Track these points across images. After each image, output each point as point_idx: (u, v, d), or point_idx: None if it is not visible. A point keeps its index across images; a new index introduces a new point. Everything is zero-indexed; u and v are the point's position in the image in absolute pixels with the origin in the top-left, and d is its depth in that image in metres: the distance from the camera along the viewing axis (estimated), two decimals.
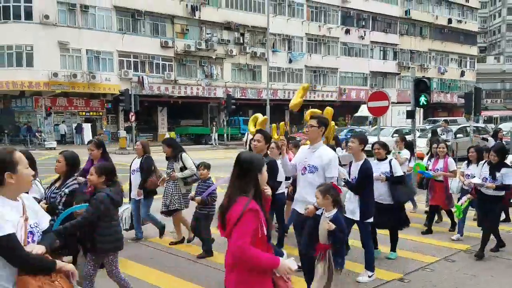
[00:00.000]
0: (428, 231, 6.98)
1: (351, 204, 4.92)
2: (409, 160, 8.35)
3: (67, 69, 27.07)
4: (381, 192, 5.56)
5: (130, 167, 6.55)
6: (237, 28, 33.38)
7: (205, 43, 31.73)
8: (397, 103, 33.78)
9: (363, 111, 29.64)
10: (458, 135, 18.21)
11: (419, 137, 18.45)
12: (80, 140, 26.63)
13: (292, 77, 36.97)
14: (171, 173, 6.25)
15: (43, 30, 26.23)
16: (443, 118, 27.33)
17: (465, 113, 28.32)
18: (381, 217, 5.34)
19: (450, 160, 7.27)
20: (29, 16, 26.14)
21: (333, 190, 3.93)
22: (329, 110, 7.69)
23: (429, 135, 16.11)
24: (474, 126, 18.02)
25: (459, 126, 20.54)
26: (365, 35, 40.67)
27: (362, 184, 4.82)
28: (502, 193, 5.78)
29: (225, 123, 30.81)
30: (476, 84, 46.46)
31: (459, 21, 48.61)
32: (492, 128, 25.09)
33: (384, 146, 5.88)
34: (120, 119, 30.30)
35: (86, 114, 29.25)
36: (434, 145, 7.80)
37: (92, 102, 29.13)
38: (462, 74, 49.51)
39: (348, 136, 24.02)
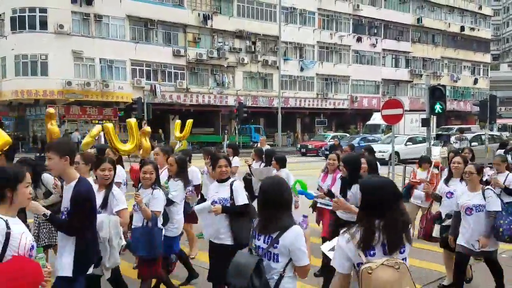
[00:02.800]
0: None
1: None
2: None
3: (81, 77, 27.42)
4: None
5: None
6: (249, 37, 33.53)
7: (216, 51, 31.92)
8: (410, 111, 33.47)
9: (375, 119, 29.43)
10: (473, 143, 17.93)
11: (433, 145, 18.23)
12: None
13: (303, 85, 36.94)
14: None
15: (58, 40, 26.64)
16: (457, 127, 27.03)
17: (479, 121, 28.04)
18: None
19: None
20: (44, 26, 26.58)
21: None
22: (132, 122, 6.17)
23: (442, 143, 15.93)
24: (489, 135, 17.78)
25: (474, 134, 20.23)
26: (377, 43, 40.54)
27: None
28: None
29: (236, 131, 30.83)
30: (490, 92, 45.95)
31: (472, 29, 48.21)
32: (507, 137, 24.76)
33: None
34: None
35: (99, 122, 29.45)
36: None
37: (105, 111, 29.40)
38: (476, 81, 48.99)
39: (362, 144, 23.89)
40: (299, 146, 29.58)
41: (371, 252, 2.32)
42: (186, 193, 4.97)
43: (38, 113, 28.31)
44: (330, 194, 5.10)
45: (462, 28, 46.75)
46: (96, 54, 27.93)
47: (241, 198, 4.11)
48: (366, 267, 2.24)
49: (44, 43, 26.33)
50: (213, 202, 4.12)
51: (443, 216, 5.05)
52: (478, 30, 49.14)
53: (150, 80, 29.99)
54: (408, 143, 21.79)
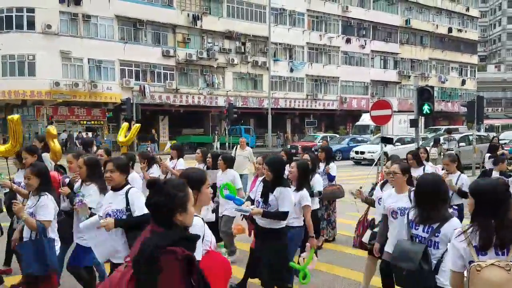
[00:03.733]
0: None
1: None
2: None
3: (69, 78, 27.15)
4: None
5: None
6: (239, 37, 33.52)
7: (206, 52, 31.85)
8: (398, 111, 33.74)
9: (364, 119, 29.64)
10: (461, 144, 18.14)
11: (421, 145, 18.38)
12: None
13: (293, 86, 37.04)
14: None
15: (45, 40, 26.34)
16: (445, 127, 27.33)
17: (467, 122, 28.39)
18: None
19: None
20: (31, 25, 26.27)
21: None
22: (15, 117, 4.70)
23: (432, 143, 16.08)
24: (476, 135, 18.00)
25: (462, 135, 20.48)
26: (365, 44, 40.82)
27: None
28: None
29: (226, 132, 30.79)
30: (477, 92, 46.59)
31: (459, 30, 48.81)
32: (494, 137, 25.06)
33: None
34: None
35: (87, 123, 29.25)
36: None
37: (93, 111, 29.16)
38: (463, 82, 49.60)
39: (351, 145, 24.03)
40: (289, 147, 29.64)
41: (483, 252, 2.38)
42: (75, 204, 4.03)
43: (25, 114, 27.95)
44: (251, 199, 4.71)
45: (450, 30, 47.32)
46: (84, 54, 27.68)
47: (139, 207, 3.51)
48: (475, 265, 2.32)
49: (31, 43, 26.02)
50: (106, 215, 3.60)
51: (376, 222, 4.72)
52: (466, 31, 49.76)
53: (139, 80, 29.81)
54: (396, 143, 21.94)
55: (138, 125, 8.14)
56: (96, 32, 28.34)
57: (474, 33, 52.26)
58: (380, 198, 4.49)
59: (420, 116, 10.63)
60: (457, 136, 19.22)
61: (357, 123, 32.29)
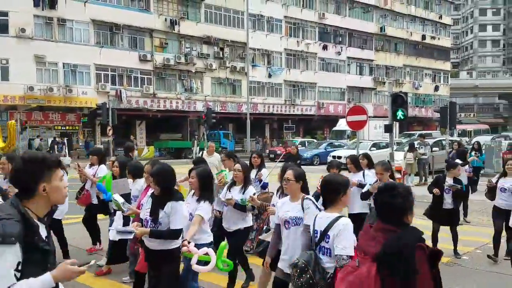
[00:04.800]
0: None
1: None
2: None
3: (43, 82, 26.61)
4: None
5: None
6: (217, 43, 33.56)
7: (184, 57, 31.75)
8: (374, 117, 34.37)
9: (341, 125, 30.07)
10: (434, 149, 18.59)
11: (396, 150, 18.80)
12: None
13: (271, 92, 37.28)
14: None
15: (19, 44, 25.77)
16: (418, 132, 27.97)
17: (440, 127, 29.13)
18: None
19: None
20: (4, 29, 25.66)
21: None
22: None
23: (406, 148, 16.43)
24: (449, 140, 18.50)
25: (435, 140, 21.00)
26: (342, 50, 41.48)
27: None
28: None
29: (205, 137, 30.71)
30: (450, 98, 47.86)
31: (433, 37, 50.15)
32: (466, 142, 25.83)
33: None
34: (96, 133, 29.84)
35: (62, 128, 28.69)
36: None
37: (68, 116, 28.64)
38: (436, 89, 50.90)
39: (328, 150, 24.32)
40: (268, 152, 29.84)
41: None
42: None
43: None
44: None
45: (423, 37, 48.56)
46: (59, 59, 27.20)
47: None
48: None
49: (5, 47, 25.37)
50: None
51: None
52: (439, 38, 51.16)
53: (116, 85, 29.46)
54: (372, 148, 22.36)
55: (12, 122, 7.55)
56: (71, 36, 27.90)
57: (447, 40, 53.78)
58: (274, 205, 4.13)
59: (394, 122, 10.86)
60: (430, 141, 19.69)
61: (334, 128, 32.73)
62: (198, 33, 32.58)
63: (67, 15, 27.35)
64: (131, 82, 30.35)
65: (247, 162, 5.81)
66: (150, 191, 3.98)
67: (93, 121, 28.83)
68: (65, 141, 27.12)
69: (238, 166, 5.03)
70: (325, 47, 39.99)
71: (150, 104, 30.80)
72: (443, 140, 18.85)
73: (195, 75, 32.99)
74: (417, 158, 15.45)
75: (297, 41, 38.27)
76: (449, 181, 6.48)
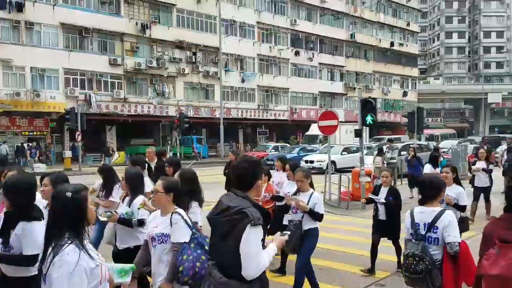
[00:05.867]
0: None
1: None
2: None
3: (10, 87, 25.81)
4: None
5: None
6: (189, 47, 33.43)
7: (156, 61, 31.45)
8: (345, 122, 34.99)
9: (313, 130, 30.45)
10: (402, 153, 19.10)
11: (366, 154, 19.19)
12: (24, 162, 25.11)
13: (245, 96, 37.39)
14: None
15: None
16: (387, 137, 28.66)
17: (408, 132, 29.94)
18: None
19: None
20: None
21: None
22: None
23: (375, 152, 16.81)
24: (417, 144, 19.04)
25: (403, 144, 21.56)
26: (313, 57, 42.08)
27: None
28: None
29: (178, 142, 30.48)
30: (418, 104, 49.23)
31: (401, 44, 51.56)
32: (434, 146, 26.61)
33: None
34: (65, 139, 29.11)
35: (30, 133, 27.85)
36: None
37: (36, 121, 27.84)
38: (405, 94, 52.29)
39: (301, 154, 24.56)
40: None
41: None
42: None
43: None
44: None
45: (392, 44, 49.86)
46: (27, 63, 26.45)
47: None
48: None
49: None
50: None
51: None
52: (407, 45, 52.64)
53: (85, 89, 28.89)
54: (343, 152, 22.77)
55: None
56: (39, 40, 27.18)
57: (414, 47, 55.40)
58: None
59: (363, 127, 11.12)
60: (399, 145, 20.20)
61: (307, 133, 33.11)
62: (170, 38, 32.38)
63: (35, 18, 26.64)
64: (101, 86, 29.81)
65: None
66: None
67: (62, 126, 28.10)
68: (38, 145, 26.40)
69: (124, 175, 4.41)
70: (297, 53, 40.49)
71: (121, 109, 30.32)
72: (411, 144, 19.38)
73: (167, 80, 32.73)
74: (385, 162, 15.82)
75: (270, 47, 38.58)
76: (383, 191, 6.08)
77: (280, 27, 39.46)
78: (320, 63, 42.84)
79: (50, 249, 2.14)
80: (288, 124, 40.56)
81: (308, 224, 4.84)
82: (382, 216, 6.08)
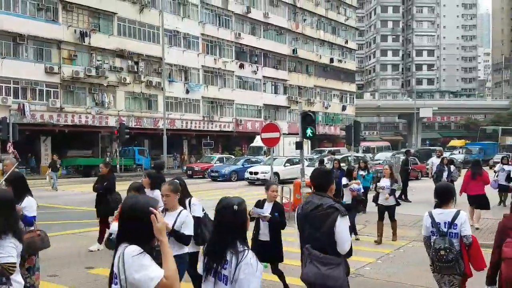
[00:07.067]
0: None
1: None
2: None
3: None
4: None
5: None
6: (131, 56, 32.70)
7: (95, 70, 30.39)
8: (288, 134, 35.78)
9: (258, 141, 30.79)
10: (341, 164, 19.80)
11: (307, 166, 19.74)
12: None
13: (189, 108, 37.10)
14: None
15: None
16: (328, 149, 29.70)
17: (346, 144, 31.20)
18: None
19: None
20: None
21: None
22: None
23: (316, 164, 17.35)
24: (354, 156, 19.91)
25: (341, 156, 22.42)
26: (257, 70, 42.82)
27: None
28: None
29: (117, 153, 29.52)
30: (355, 117, 51.52)
31: (340, 61, 53.90)
32: (370, 158, 27.94)
33: None
34: None
35: None
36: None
37: None
38: (344, 108, 54.55)
39: (246, 166, 24.71)
40: (185, 168, 29.54)
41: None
42: None
43: None
44: None
45: (332, 60, 51.98)
46: None
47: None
48: None
49: None
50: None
51: None
52: (345, 62, 55.11)
53: (18, 98, 27.26)
54: (286, 164, 23.24)
55: None
56: None
57: (352, 63, 58.13)
58: None
59: (304, 139, 11.46)
60: (338, 157, 20.96)
61: (252, 144, 33.42)
62: (111, 46, 31.50)
63: None
64: (35, 95, 28.28)
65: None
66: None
67: None
68: None
69: None
70: (241, 66, 40.97)
71: (57, 119, 28.89)
72: (349, 156, 20.22)
73: (107, 89, 31.70)
74: None
75: (215, 59, 38.72)
76: (267, 207, 5.38)
77: (225, 39, 39.79)
78: (264, 76, 43.63)
79: (228, 254, 2.45)
80: (233, 135, 40.74)
81: (174, 249, 3.70)
82: (264, 236, 5.29)
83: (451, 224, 3.96)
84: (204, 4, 38.05)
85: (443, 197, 4.14)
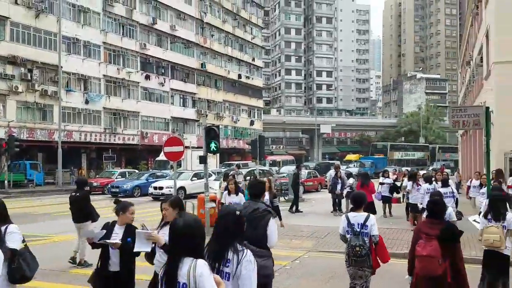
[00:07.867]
0: None
1: None
2: None
3: None
4: None
5: None
6: (24, 63, 30.03)
7: None
8: (197, 148, 35.49)
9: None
10: (247, 178, 20.17)
11: (215, 180, 19.78)
12: None
13: (89, 119, 34.99)
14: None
15: None
16: (236, 162, 30.07)
17: (252, 158, 31.90)
18: None
19: None
20: None
21: None
22: None
23: (222, 178, 17.42)
24: (260, 169, 20.39)
25: (248, 170, 22.86)
26: (165, 82, 42.04)
27: None
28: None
29: (6, 168, 26.71)
30: (263, 132, 53.10)
31: (248, 77, 55.29)
32: (276, 171, 28.86)
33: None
34: None
35: None
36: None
37: None
38: (252, 123, 55.87)
39: (150, 181, 23.88)
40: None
41: None
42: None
43: None
44: None
45: (240, 76, 53.12)
46: None
47: None
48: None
49: None
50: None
51: None
52: (252, 78, 56.67)
53: None
54: (193, 178, 23.02)
55: None
56: None
57: (259, 80, 59.97)
58: None
59: (208, 153, 11.42)
60: (244, 171, 21.33)
61: (158, 158, 32.42)
62: (2, 52, 28.68)
63: None
64: None
65: None
66: None
67: None
68: None
69: None
70: (147, 77, 39.90)
71: None
72: (255, 169, 20.66)
73: None
74: None
75: (118, 69, 37.19)
76: (118, 230, 4.47)
77: (129, 49, 38.46)
78: (172, 89, 42.96)
79: (230, 253, 2.77)
80: (138, 148, 39.25)
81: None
82: (114, 266, 4.32)
83: (363, 225, 4.72)
84: (107, 13, 36.50)
85: (357, 202, 4.95)
